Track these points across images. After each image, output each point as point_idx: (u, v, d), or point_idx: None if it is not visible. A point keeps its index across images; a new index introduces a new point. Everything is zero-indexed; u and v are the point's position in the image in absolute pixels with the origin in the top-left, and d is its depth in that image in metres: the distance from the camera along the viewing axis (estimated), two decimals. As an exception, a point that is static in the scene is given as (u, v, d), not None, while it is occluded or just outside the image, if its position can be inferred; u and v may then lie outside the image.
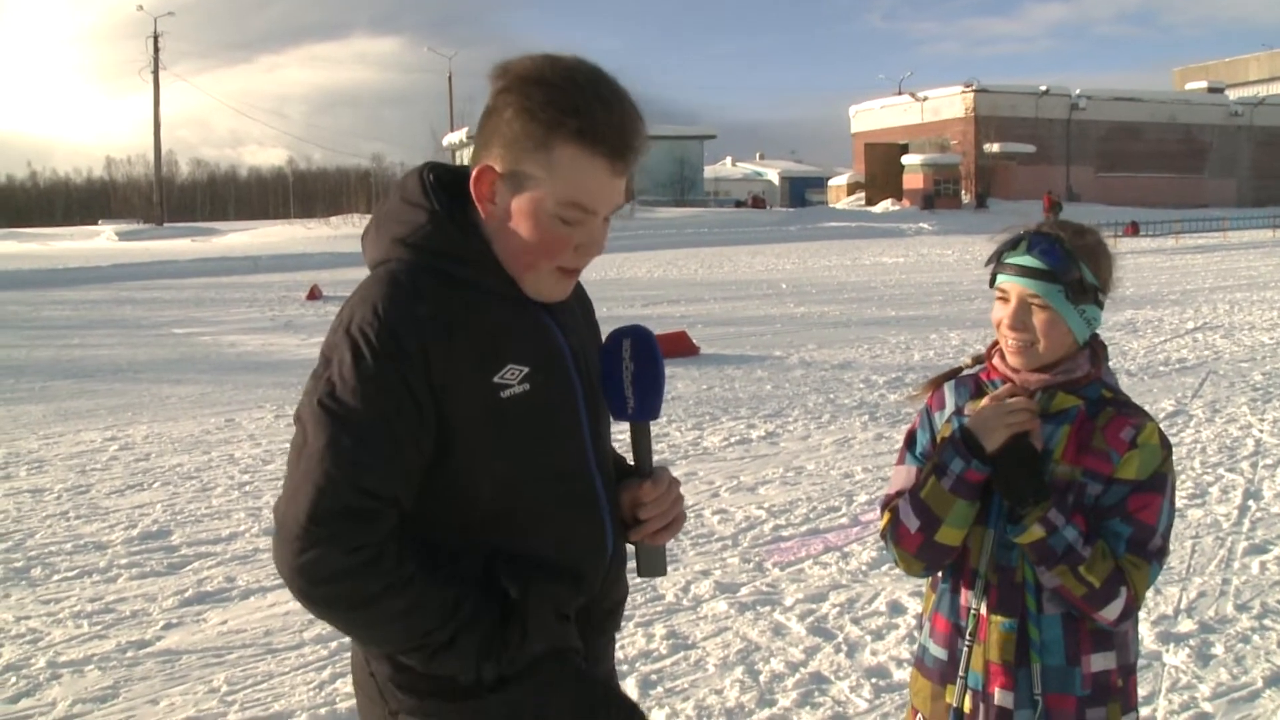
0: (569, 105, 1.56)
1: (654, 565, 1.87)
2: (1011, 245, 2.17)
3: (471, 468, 1.64)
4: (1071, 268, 2.10)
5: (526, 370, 1.64)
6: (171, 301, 22.55)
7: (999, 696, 2.13)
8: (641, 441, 1.84)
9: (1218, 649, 4.33)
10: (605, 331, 1.91)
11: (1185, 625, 4.55)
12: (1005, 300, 2.16)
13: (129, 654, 4.53)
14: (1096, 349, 2.21)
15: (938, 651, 2.24)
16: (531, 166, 1.59)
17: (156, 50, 67.67)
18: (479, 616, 1.63)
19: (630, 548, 1.90)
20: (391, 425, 1.56)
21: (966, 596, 2.18)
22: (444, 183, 1.70)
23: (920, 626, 2.36)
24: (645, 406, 1.81)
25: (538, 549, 1.70)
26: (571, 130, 1.56)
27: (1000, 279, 2.17)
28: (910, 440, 2.32)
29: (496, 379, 1.62)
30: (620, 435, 1.84)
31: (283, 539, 1.56)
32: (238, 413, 9.88)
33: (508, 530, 1.68)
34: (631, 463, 1.89)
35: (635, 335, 1.81)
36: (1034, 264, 2.11)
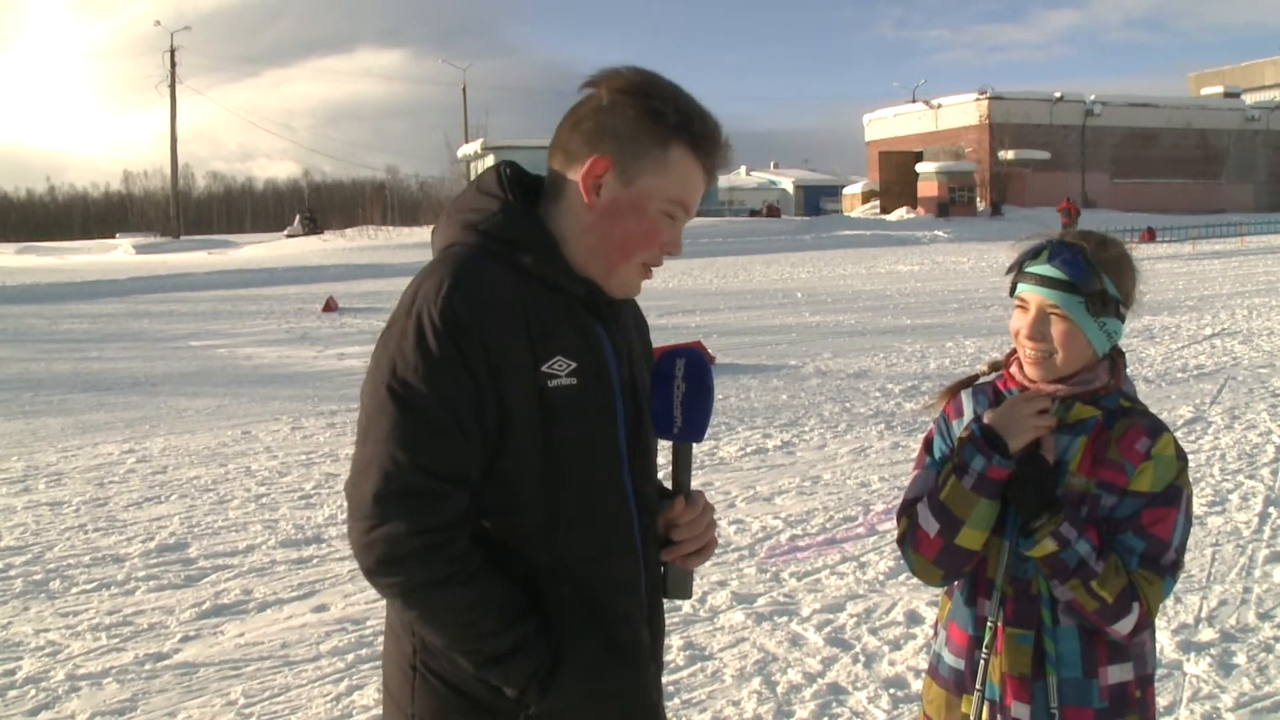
0: (688, 114, 1.71)
1: (681, 588, 1.88)
2: (1033, 254, 2.15)
3: (520, 465, 1.67)
4: (1093, 279, 2.08)
5: (574, 365, 1.69)
6: (188, 314, 22.64)
7: (1015, 709, 2.12)
8: (682, 461, 1.85)
9: (1239, 658, 4.29)
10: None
11: (1206, 634, 4.51)
12: (1025, 309, 2.14)
13: (147, 666, 4.54)
14: (1115, 359, 2.19)
15: (953, 661, 2.22)
16: (647, 163, 1.70)
17: (173, 65, 68.12)
18: (541, 635, 1.67)
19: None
20: (454, 404, 1.60)
21: (983, 607, 2.16)
22: (519, 180, 1.78)
23: (934, 635, 2.35)
24: (691, 427, 1.83)
25: (576, 560, 1.72)
26: (692, 134, 1.71)
27: (1020, 288, 2.16)
28: (928, 447, 2.30)
29: (545, 368, 1.67)
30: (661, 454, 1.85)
31: (353, 518, 1.62)
32: (254, 425, 9.91)
33: (546, 533, 1.70)
34: (669, 485, 1.91)
35: (689, 356, 1.85)
36: (1055, 274, 2.09)
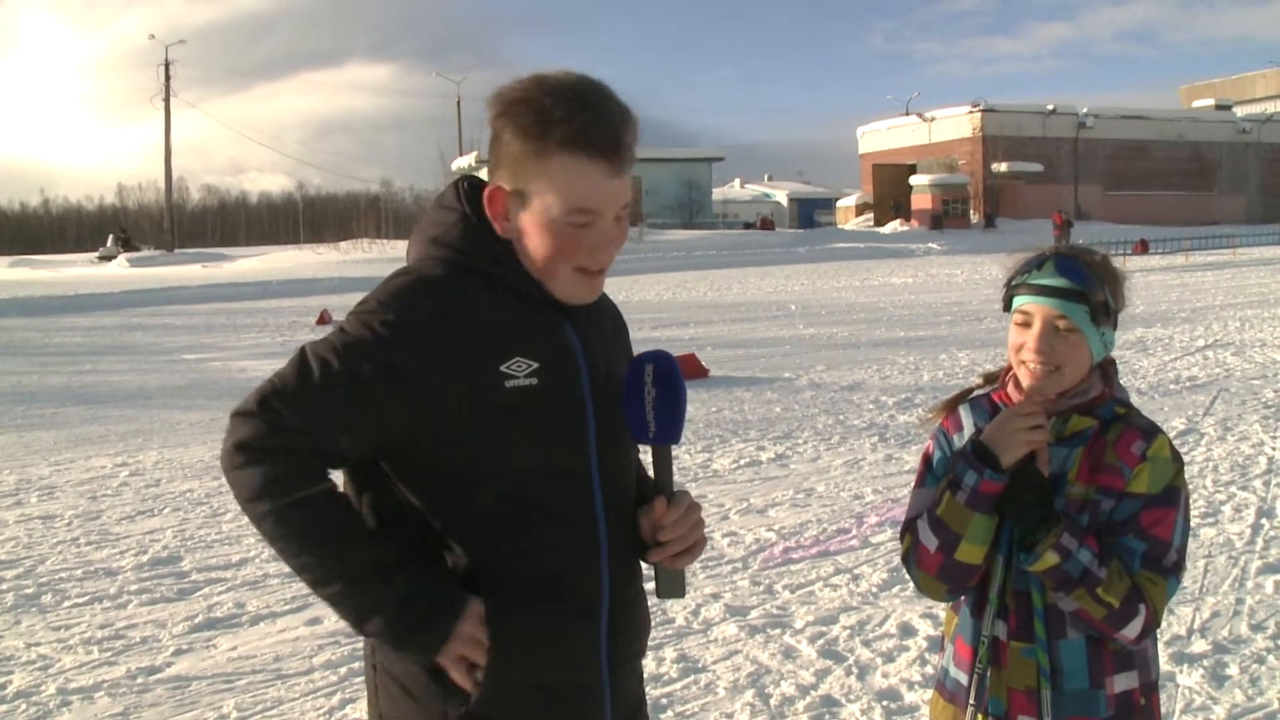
0: (555, 117, 1.64)
1: (672, 588, 1.89)
2: (1036, 265, 2.14)
3: (473, 456, 1.70)
4: (1098, 288, 2.09)
5: (535, 365, 1.71)
6: (182, 327, 22.63)
7: None
8: (662, 464, 1.86)
9: (1232, 669, 4.29)
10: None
11: (1199, 646, 4.52)
12: (1026, 325, 2.13)
13: (139, 680, 4.53)
14: (1107, 367, 2.20)
15: (959, 676, 2.21)
16: (533, 181, 1.68)
17: (168, 78, 68.03)
18: (378, 575, 1.67)
19: (649, 571, 1.91)
20: (352, 388, 1.65)
21: (986, 622, 2.17)
22: (478, 191, 1.80)
23: (940, 649, 2.35)
24: (665, 430, 1.84)
25: (529, 550, 1.73)
26: (561, 139, 1.64)
27: (1021, 300, 2.14)
28: (927, 463, 2.29)
29: (503, 368, 1.69)
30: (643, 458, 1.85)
31: (230, 416, 1.72)
32: (248, 438, 9.89)
33: (502, 526, 1.72)
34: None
35: (657, 360, 1.85)
36: (1063, 284, 2.08)
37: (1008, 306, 2.19)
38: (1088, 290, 2.08)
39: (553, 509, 1.74)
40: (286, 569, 6.07)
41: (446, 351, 1.67)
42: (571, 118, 1.64)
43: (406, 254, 1.85)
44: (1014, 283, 2.17)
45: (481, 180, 1.83)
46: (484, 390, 1.68)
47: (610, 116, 1.68)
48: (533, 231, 1.71)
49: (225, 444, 1.69)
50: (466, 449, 1.69)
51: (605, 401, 1.81)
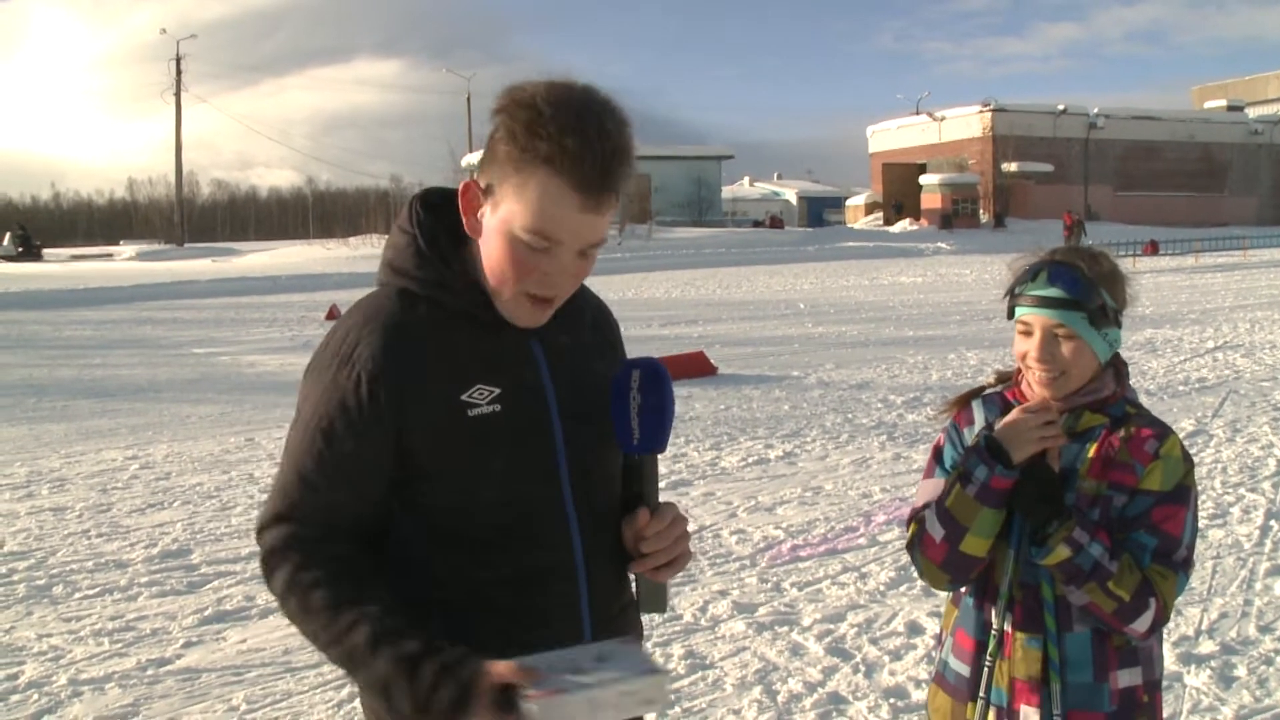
0: (545, 131, 1.54)
1: (654, 601, 1.83)
2: (1030, 276, 2.17)
3: (439, 486, 1.66)
4: (1094, 295, 2.11)
5: (497, 391, 1.67)
6: (191, 321, 22.70)
7: (1024, 714, 2.13)
8: (647, 474, 1.79)
9: (1240, 670, 4.29)
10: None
11: (1207, 646, 4.52)
12: (1028, 334, 2.16)
13: (149, 672, 4.55)
14: (1119, 367, 2.22)
15: (960, 667, 2.24)
16: (507, 188, 1.59)
17: (179, 72, 68.23)
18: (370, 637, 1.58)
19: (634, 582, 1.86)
20: (336, 445, 1.65)
21: (990, 613, 2.18)
22: (434, 208, 1.74)
23: (940, 642, 2.36)
24: (650, 439, 1.76)
25: (501, 571, 1.69)
26: (541, 156, 1.54)
27: (1021, 311, 2.18)
28: (937, 456, 2.32)
29: (464, 397, 1.65)
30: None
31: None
32: (257, 432, 9.93)
33: (473, 550, 1.68)
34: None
35: (644, 367, 1.78)
36: (1057, 294, 2.12)
37: (1011, 315, 2.21)
38: (1082, 298, 2.10)
39: (526, 534, 1.70)
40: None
41: (406, 391, 1.64)
42: (561, 137, 1.53)
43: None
44: (1014, 292, 2.20)
45: (442, 192, 1.77)
46: (447, 422, 1.64)
47: (602, 152, 1.55)
48: (493, 237, 1.63)
49: (260, 554, 1.72)
50: (438, 482, 1.66)
51: (576, 419, 1.75)
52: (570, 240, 1.60)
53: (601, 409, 1.77)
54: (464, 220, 1.67)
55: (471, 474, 1.65)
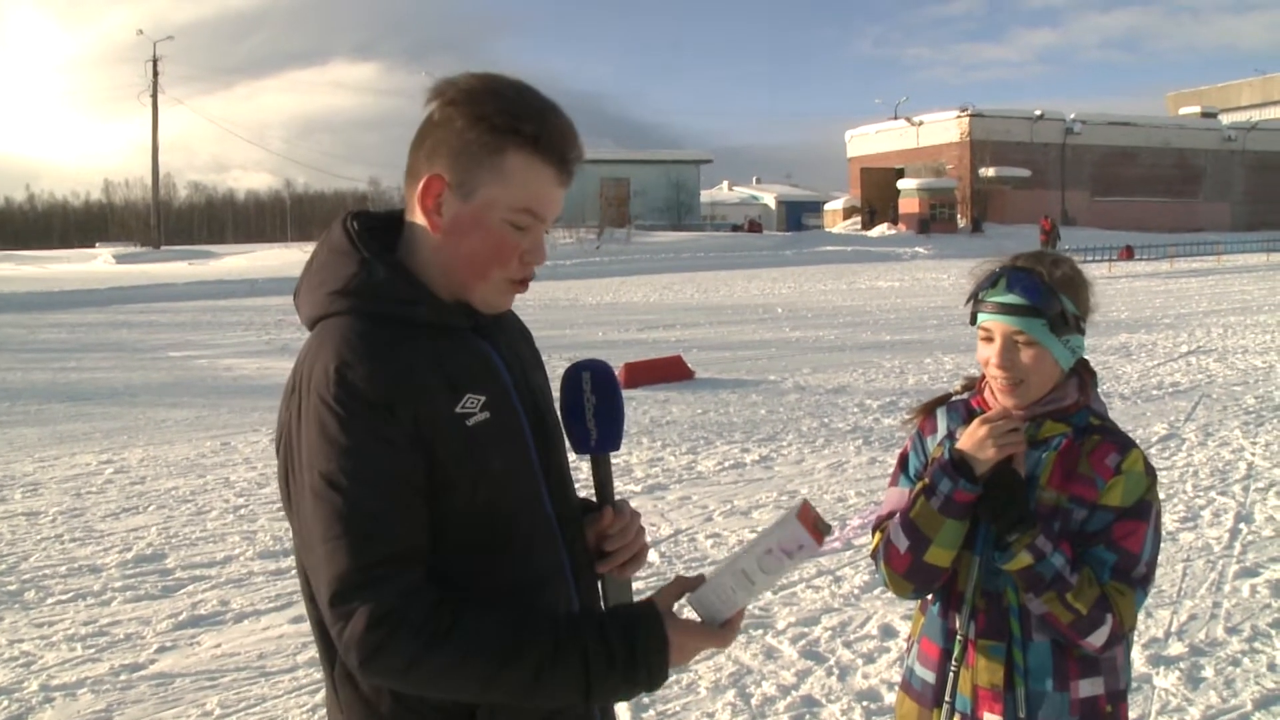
0: (522, 113, 1.59)
1: (621, 597, 1.86)
2: (990, 283, 2.18)
3: (454, 497, 1.63)
4: (1053, 301, 2.12)
5: (484, 399, 1.64)
6: (168, 325, 22.58)
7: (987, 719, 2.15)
8: (603, 473, 1.84)
9: (1208, 672, 4.34)
10: (549, 362, 1.92)
11: (1176, 648, 4.57)
12: (989, 340, 2.17)
13: (122, 677, 4.54)
14: (1084, 376, 2.22)
15: (925, 674, 2.25)
16: (483, 173, 1.60)
17: (156, 74, 67.76)
18: (563, 629, 1.59)
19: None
20: (386, 479, 1.54)
21: (954, 621, 2.20)
22: (369, 229, 1.71)
23: (907, 649, 2.38)
24: (606, 438, 1.81)
25: (505, 576, 1.68)
26: (526, 136, 1.59)
27: (982, 317, 2.19)
28: (902, 464, 2.34)
29: (459, 409, 1.61)
30: (579, 470, 1.85)
31: (330, 627, 1.55)
32: (233, 436, 9.89)
33: (479, 557, 1.67)
34: (594, 498, 1.88)
35: (594, 369, 1.82)
36: (1015, 300, 2.12)
37: (974, 320, 2.22)
38: (1041, 304, 2.11)
39: (523, 539, 1.70)
40: (272, 567, 6.08)
41: (419, 411, 1.57)
42: (539, 119, 1.60)
43: (297, 308, 1.74)
44: (977, 298, 2.21)
45: (370, 214, 1.75)
46: (454, 434, 1.61)
47: (570, 129, 1.64)
48: (469, 228, 1.62)
49: (350, 639, 1.51)
50: (453, 493, 1.62)
51: (537, 420, 1.75)
52: (549, 215, 1.66)
53: (552, 415, 1.80)
54: (426, 220, 1.64)
55: (479, 481, 1.63)
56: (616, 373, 1.86)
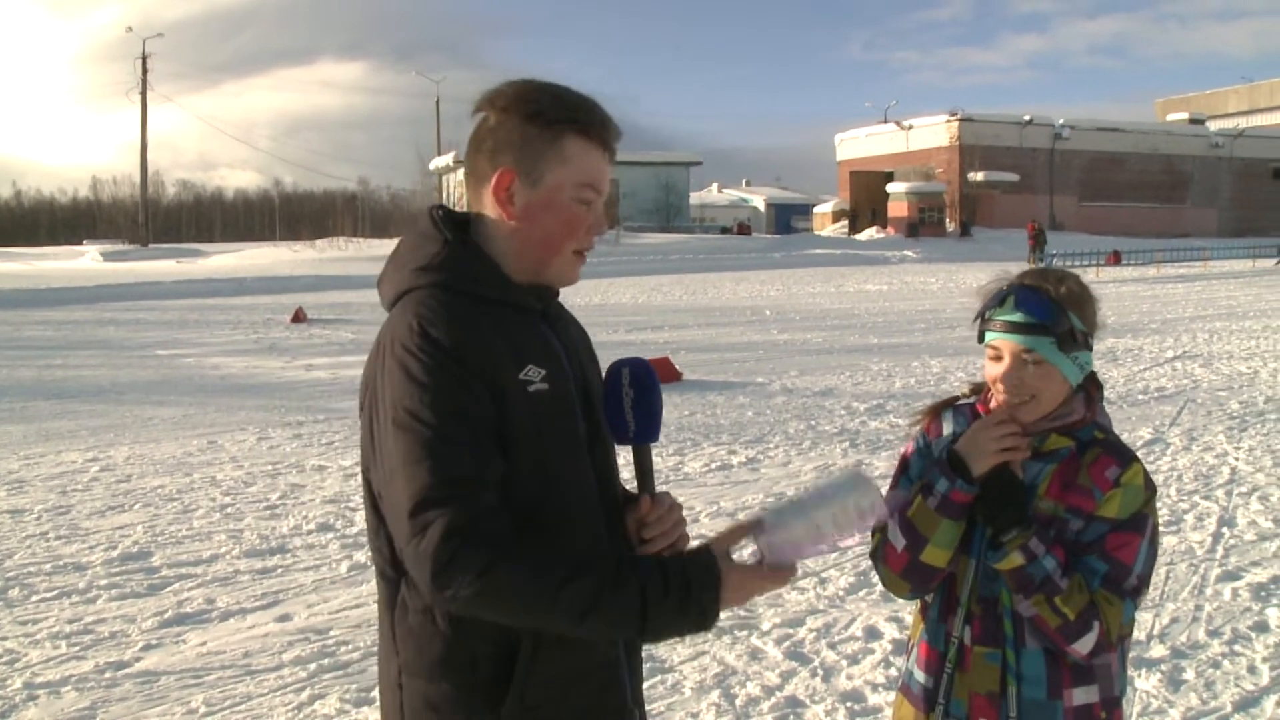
0: (570, 107, 1.84)
1: None
2: (998, 301, 2.18)
3: (516, 469, 1.74)
4: (1061, 318, 2.11)
5: (545, 371, 1.80)
6: (155, 323, 22.51)
7: None
8: (644, 464, 1.95)
9: (1189, 674, 4.38)
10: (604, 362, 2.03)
11: (1157, 651, 4.60)
12: (998, 358, 2.16)
13: (107, 675, 4.53)
14: (1091, 391, 2.23)
15: (922, 678, 2.26)
16: (547, 161, 1.83)
17: (144, 72, 67.53)
18: (623, 562, 1.73)
19: None
20: (460, 417, 1.69)
21: (952, 625, 2.21)
22: (450, 218, 1.91)
23: (907, 652, 2.39)
24: (645, 430, 1.94)
25: (546, 546, 1.77)
26: (579, 124, 1.83)
27: (991, 336, 2.18)
28: (904, 464, 2.34)
29: (522, 376, 1.77)
30: (624, 462, 1.92)
31: (401, 544, 1.68)
32: (220, 435, 9.88)
33: (534, 533, 1.75)
34: (634, 489, 1.97)
35: (633, 365, 1.96)
36: (1024, 319, 2.12)
37: (981, 339, 2.22)
38: (1050, 323, 2.11)
39: (574, 513, 1.81)
40: (258, 566, 6.07)
41: (489, 368, 1.73)
42: (585, 108, 1.84)
43: (380, 292, 1.91)
44: (984, 317, 2.21)
45: (449, 209, 1.92)
46: (519, 397, 1.75)
47: (608, 115, 1.88)
48: (540, 211, 1.83)
49: (426, 550, 1.62)
50: (514, 455, 1.74)
51: (587, 407, 1.90)
52: (604, 189, 1.90)
53: (596, 409, 1.94)
54: (501, 210, 1.84)
55: (534, 446, 1.76)
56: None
